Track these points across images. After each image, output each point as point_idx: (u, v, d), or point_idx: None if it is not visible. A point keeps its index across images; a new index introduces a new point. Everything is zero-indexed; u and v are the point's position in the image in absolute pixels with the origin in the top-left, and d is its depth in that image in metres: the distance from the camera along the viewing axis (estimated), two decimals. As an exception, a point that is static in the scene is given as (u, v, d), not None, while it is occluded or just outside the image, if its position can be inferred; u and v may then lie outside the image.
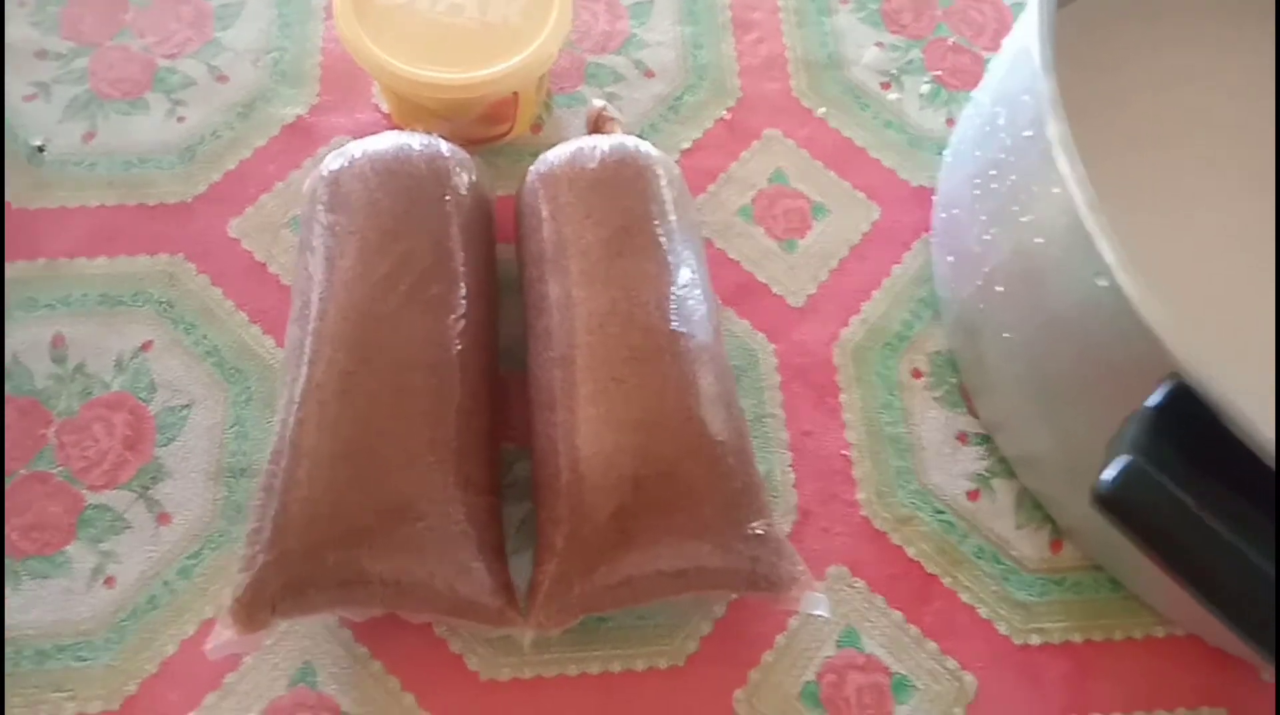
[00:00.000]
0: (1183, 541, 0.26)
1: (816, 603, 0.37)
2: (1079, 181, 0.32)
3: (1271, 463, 0.27)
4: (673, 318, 0.38)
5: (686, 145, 0.50)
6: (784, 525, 0.42)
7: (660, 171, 0.42)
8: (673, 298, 0.38)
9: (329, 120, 0.49)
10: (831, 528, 0.43)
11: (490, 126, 0.48)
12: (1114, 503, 0.27)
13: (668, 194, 0.41)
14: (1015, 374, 0.40)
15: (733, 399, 0.38)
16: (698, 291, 0.40)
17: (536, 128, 0.50)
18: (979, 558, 0.42)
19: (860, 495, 0.43)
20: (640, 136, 0.49)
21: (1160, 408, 0.29)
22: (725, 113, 0.51)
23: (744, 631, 0.40)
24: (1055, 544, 0.43)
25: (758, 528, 0.36)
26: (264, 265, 0.46)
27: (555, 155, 0.42)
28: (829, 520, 0.43)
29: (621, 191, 0.40)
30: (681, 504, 0.35)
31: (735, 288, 0.47)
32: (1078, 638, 0.41)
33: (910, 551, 0.42)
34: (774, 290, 0.47)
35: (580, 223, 0.40)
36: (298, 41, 0.51)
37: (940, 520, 0.43)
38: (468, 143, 0.44)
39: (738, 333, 0.46)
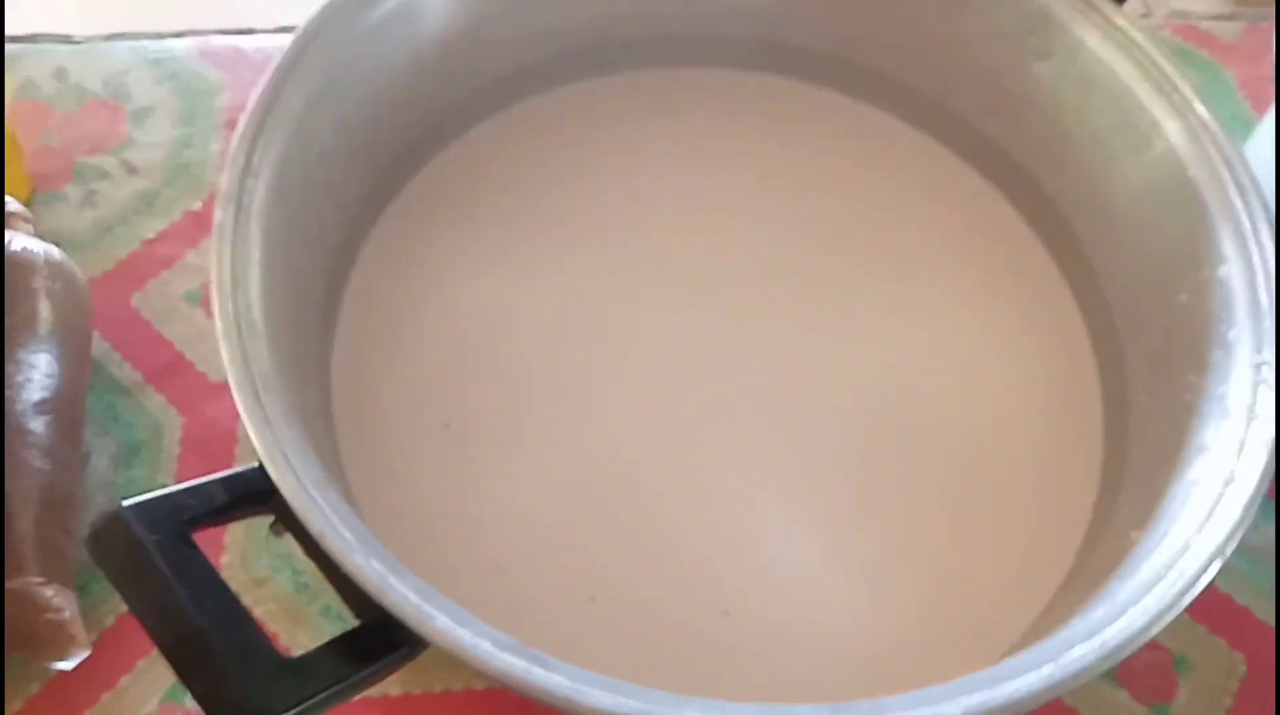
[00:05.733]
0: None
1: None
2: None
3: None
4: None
5: (151, 235, 0.54)
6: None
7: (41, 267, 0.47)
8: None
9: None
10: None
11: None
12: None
13: (40, 289, 0.46)
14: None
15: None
16: (36, 374, 0.44)
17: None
18: (324, 616, 0.45)
19: (225, 558, 0.46)
20: (110, 228, 0.54)
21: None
22: (198, 204, 0.55)
23: (73, 693, 0.43)
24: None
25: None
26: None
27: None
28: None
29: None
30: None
31: (161, 366, 0.50)
32: (395, 690, 0.44)
33: (258, 612, 0.45)
34: (198, 367, 0.50)
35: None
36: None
37: (296, 582, 0.46)
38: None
39: (150, 408, 0.49)
